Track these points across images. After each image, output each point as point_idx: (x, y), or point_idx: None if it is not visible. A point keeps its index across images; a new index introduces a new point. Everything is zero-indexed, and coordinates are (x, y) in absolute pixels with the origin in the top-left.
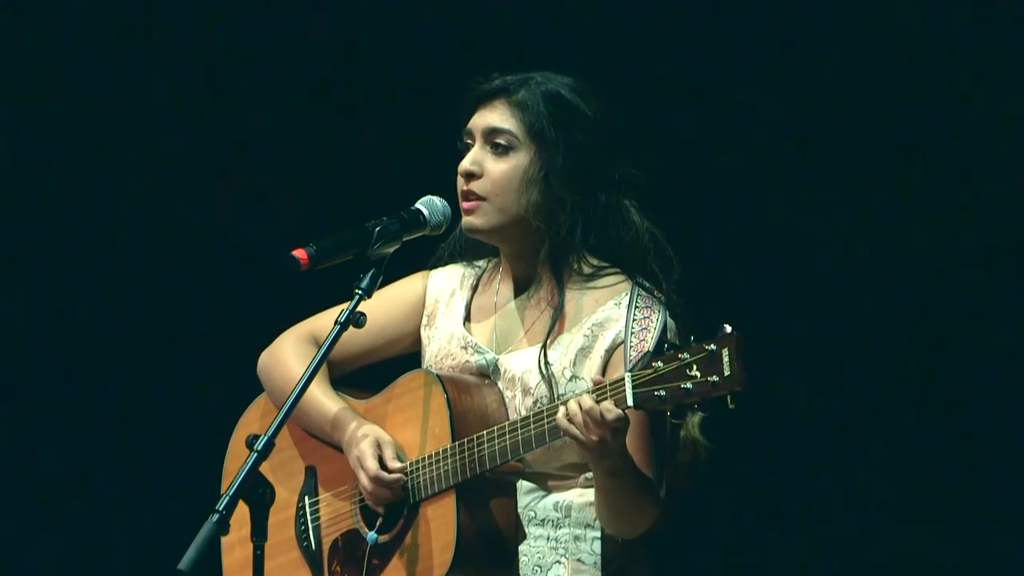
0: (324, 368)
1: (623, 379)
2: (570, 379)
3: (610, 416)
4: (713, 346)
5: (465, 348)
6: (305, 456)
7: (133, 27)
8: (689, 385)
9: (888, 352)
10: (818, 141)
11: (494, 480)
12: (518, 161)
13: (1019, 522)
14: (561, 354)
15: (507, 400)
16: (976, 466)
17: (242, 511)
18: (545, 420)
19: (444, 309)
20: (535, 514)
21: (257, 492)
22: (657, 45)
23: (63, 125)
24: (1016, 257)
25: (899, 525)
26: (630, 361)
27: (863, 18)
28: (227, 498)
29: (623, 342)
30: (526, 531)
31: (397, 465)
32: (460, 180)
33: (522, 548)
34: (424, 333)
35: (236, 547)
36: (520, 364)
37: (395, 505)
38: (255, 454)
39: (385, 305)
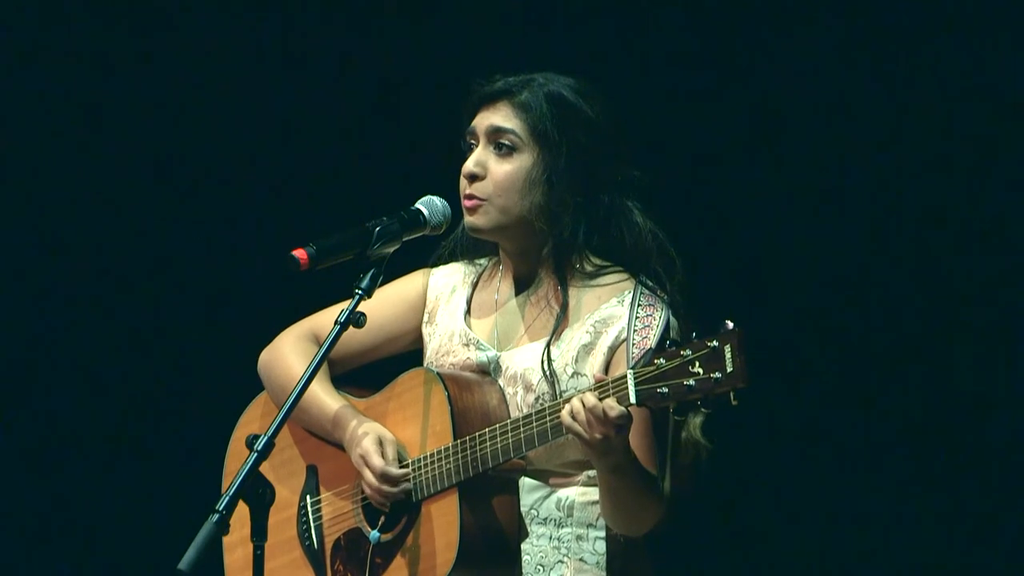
0: (325, 367)
1: (626, 376)
2: (572, 375)
3: (613, 413)
4: (715, 343)
5: (466, 345)
6: (306, 455)
7: (137, 26)
8: (692, 382)
9: (889, 352)
10: (819, 140)
11: (496, 478)
12: (521, 162)
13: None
14: (563, 351)
15: (508, 397)
16: (976, 467)
17: (243, 511)
18: (547, 417)
19: (445, 306)
20: (537, 513)
21: (257, 492)
22: (657, 45)
23: (63, 124)
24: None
25: (899, 525)
26: (632, 358)
27: (862, 17)
28: (227, 498)
29: (626, 339)
30: (528, 530)
31: (397, 466)
32: (463, 181)
33: (524, 547)
34: (425, 331)
35: (237, 547)
36: (521, 361)
37: (397, 504)
38: (255, 454)
39: (386, 303)
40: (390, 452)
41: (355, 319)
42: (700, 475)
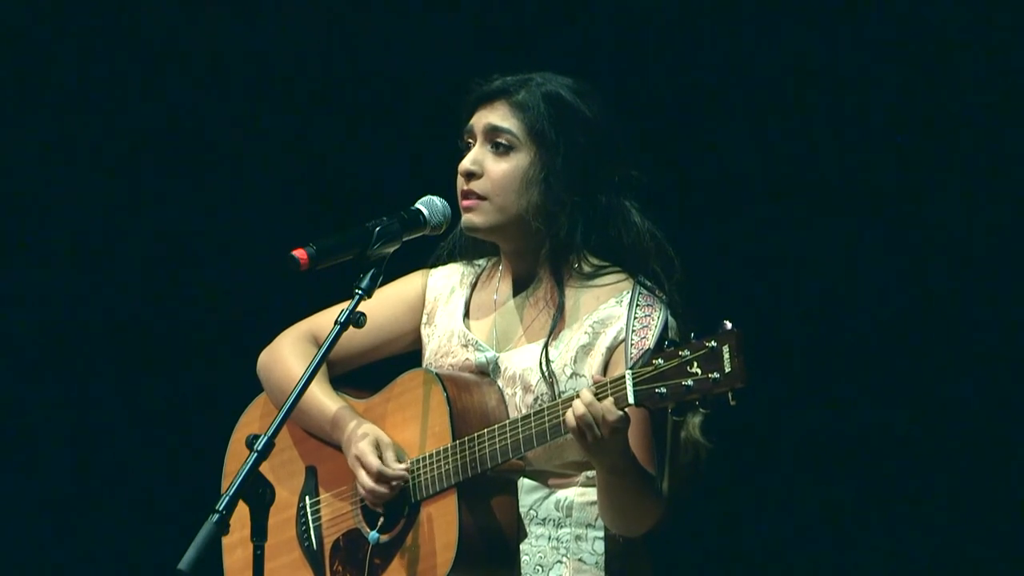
0: (324, 368)
1: (624, 377)
2: (571, 376)
3: (611, 415)
4: (713, 343)
5: (465, 346)
6: (305, 456)
7: (136, 26)
8: (690, 382)
9: (890, 351)
10: (819, 139)
11: (495, 479)
12: (518, 161)
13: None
14: (562, 351)
15: (507, 398)
16: (977, 467)
17: (243, 512)
18: (546, 418)
19: (443, 307)
20: (536, 513)
21: (257, 492)
22: (655, 44)
23: (64, 123)
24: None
25: (899, 526)
26: (631, 359)
27: (863, 16)
28: (227, 498)
29: (624, 340)
30: (527, 530)
31: (397, 467)
32: (460, 179)
33: (523, 547)
34: (424, 331)
35: (237, 548)
36: (520, 362)
37: (396, 505)
38: (255, 454)
39: (385, 304)
40: (388, 456)
41: (355, 319)
42: (700, 475)
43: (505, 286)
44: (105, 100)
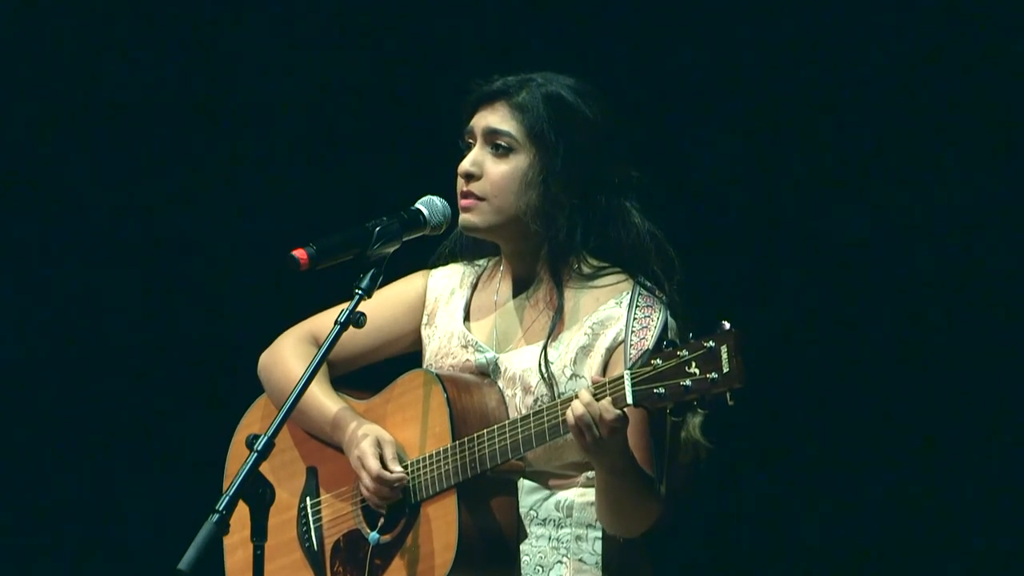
0: (324, 368)
1: (622, 377)
2: (570, 377)
3: (609, 415)
4: (712, 343)
5: (465, 347)
6: (306, 457)
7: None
8: (688, 382)
9: (890, 351)
10: (820, 137)
11: (495, 479)
12: (518, 163)
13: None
14: (561, 352)
15: (507, 399)
16: (977, 466)
17: (245, 512)
18: (545, 418)
19: (444, 308)
20: (537, 514)
21: (257, 492)
22: (655, 44)
23: (66, 123)
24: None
25: (899, 526)
26: (630, 359)
27: (862, 15)
28: (227, 498)
29: (624, 341)
30: (527, 531)
31: (397, 467)
32: (460, 180)
33: (523, 547)
34: (424, 332)
35: (238, 548)
36: (520, 363)
37: (396, 505)
38: (255, 454)
39: (385, 304)
40: (388, 453)
41: (355, 319)
42: (699, 475)
43: (505, 287)
44: (105, 100)
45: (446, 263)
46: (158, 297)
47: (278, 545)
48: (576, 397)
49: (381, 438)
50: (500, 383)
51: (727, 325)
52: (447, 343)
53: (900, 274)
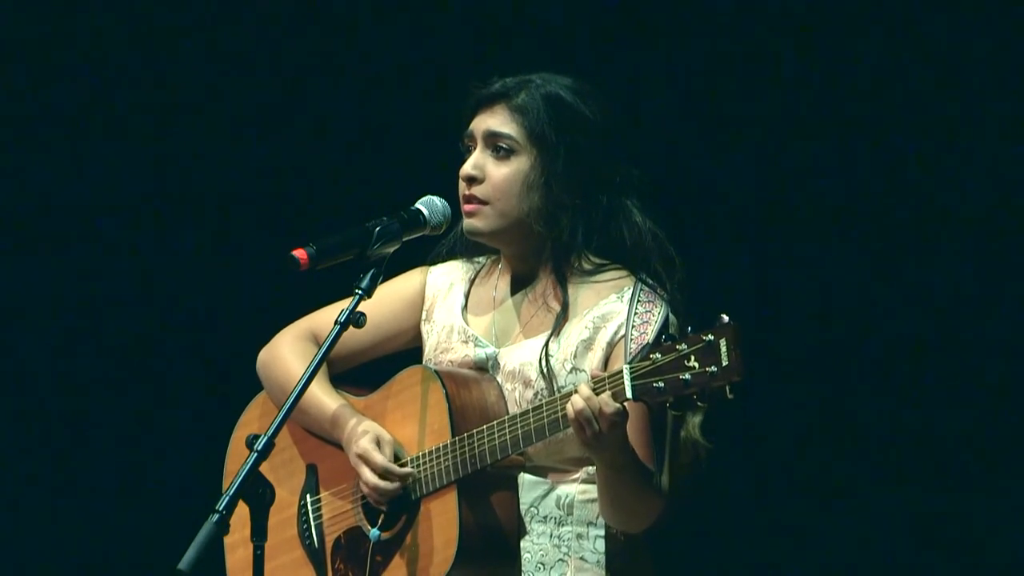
0: (324, 366)
1: (622, 371)
2: (571, 371)
3: (608, 409)
4: (711, 336)
5: (465, 342)
6: (305, 455)
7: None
8: (687, 376)
9: (889, 351)
10: (821, 136)
11: (495, 475)
12: (519, 165)
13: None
14: (563, 346)
15: (507, 394)
16: (978, 467)
17: (245, 511)
18: (545, 413)
19: (442, 303)
20: (537, 511)
21: (257, 492)
22: (655, 43)
23: (66, 122)
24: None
25: (899, 525)
26: (630, 354)
27: (864, 14)
28: (227, 498)
29: (624, 336)
30: (528, 528)
31: (396, 467)
32: (462, 184)
33: (525, 545)
34: (423, 328)
35: (239, 547)
36: (520, 357)
37: (397, 502)
38: (255, 454)
39: (384, 301)
40: (387, 452)
41: (355, 319)
42: (700, 474)
43: (504, 283)
44: (106, 99)
45: (445, 260)
46: (158, 296)
47: (279, 543)
48: (576, 392)
49: (380, 436)
50: (499, 378)
51: (726, 318)
52: (445, 337)
53: (900, 274)
